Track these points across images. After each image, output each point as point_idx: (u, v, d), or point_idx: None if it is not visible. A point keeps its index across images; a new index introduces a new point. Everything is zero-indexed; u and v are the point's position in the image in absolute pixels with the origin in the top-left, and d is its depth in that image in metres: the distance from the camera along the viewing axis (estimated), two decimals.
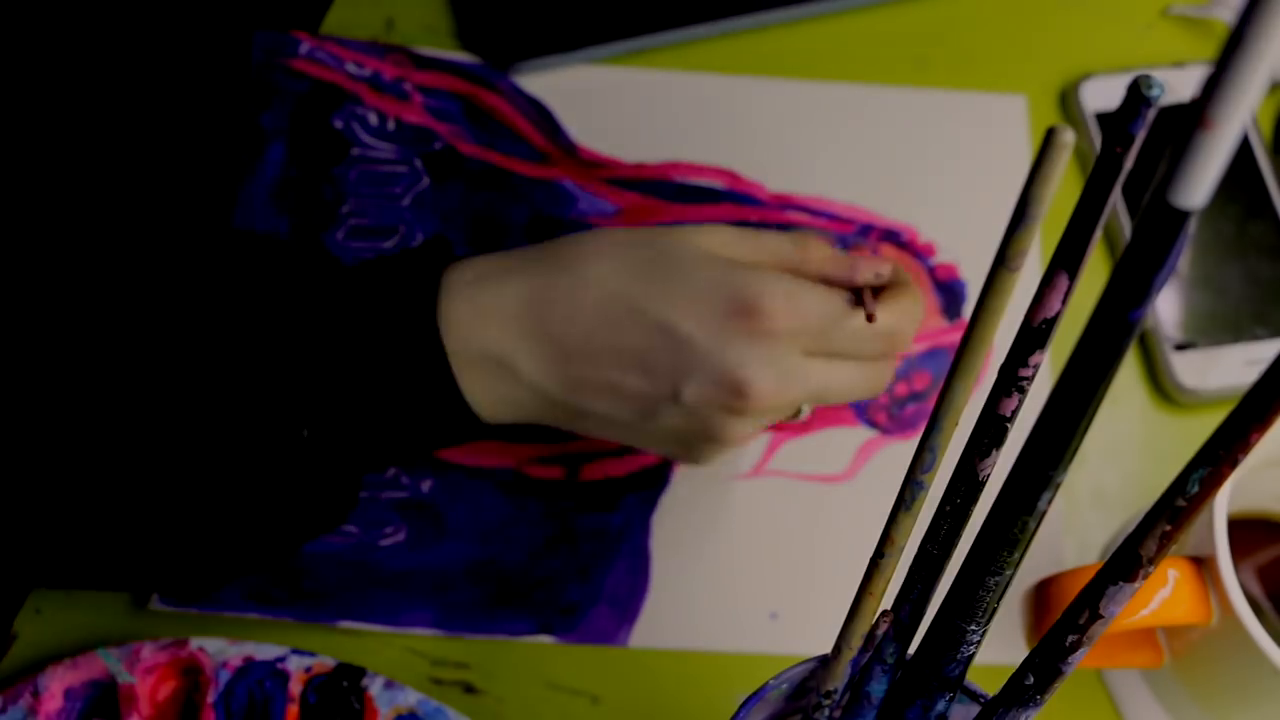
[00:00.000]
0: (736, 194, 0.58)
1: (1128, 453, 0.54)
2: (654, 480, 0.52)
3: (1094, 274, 0.58)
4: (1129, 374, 0.56)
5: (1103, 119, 0.59)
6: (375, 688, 0.47)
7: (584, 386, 0.41)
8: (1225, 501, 0.41)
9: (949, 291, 0.56)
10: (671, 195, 0.57)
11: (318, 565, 0.49)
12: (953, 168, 0.59)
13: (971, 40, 0.62)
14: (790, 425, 0.53)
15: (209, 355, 0.39)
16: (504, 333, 0.40)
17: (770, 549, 0.52)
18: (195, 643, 0.47)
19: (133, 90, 0.57)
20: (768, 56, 0.61)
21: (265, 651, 0.47)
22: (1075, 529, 0.53)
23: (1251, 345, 0.55)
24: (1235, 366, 0.55)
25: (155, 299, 0.40)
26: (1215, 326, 0.55)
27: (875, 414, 0.54)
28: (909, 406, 0.54)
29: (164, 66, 0.58)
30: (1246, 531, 0.46)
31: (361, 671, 0.47)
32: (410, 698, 0.47)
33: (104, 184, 0.56)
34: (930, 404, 0.54)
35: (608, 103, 0.59)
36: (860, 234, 0.57)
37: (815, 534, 0.52)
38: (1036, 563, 0.52)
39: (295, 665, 0.47)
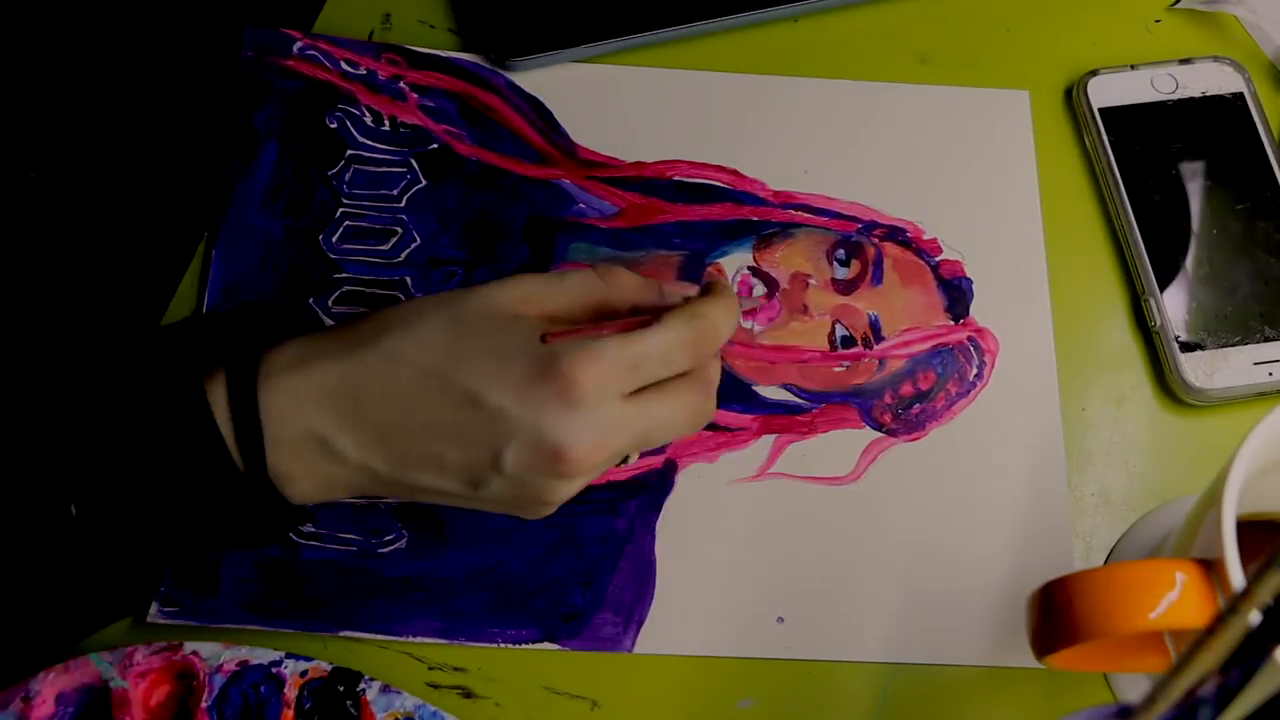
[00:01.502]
0: (737, 192, 0.57)
1: (1135, 454, 0.54)
2: (658, 483, 0.52)
3: (1098, 275, 0.57)
4: (1136, 374, 0.55)
5: (1108, 115, 0.58)
6: (371, 692, 0.46)
7: (408, 463, 0.40)
8: (1234, 504, 0.40)
9: (954, 289, 0.56)
10: (671, 194, 0.57)
11: (317, 573, 0.49)
12: (956, 164, 0.58)
13: (975, 36, 0.61)
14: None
15: None
16: (324, 417, 0.40)
17: (776, 552, 0.51)
18: (189, 647, 0.46)
19: (123, 88, 0.57)
20: (770, 53, 0.60)
21: (260, 655, 0.46)
22: (1082, 531, 0.52)
23: (1260, 346, 0.54)
24: (1243, 367, 0.54)
25: None
26: (1223, 327, 0.55)
27: (881, 415, 0.54)
28: (915, 407, 0.54)
29: (155, 63, 0.57)
30: (1255, 534, 0.46)
31: (358, 676, 0.46)
32: (407, 702, 0.46)
33: (95, 184, 0.55)
34: (936, 404, 0.53)
35: (606, 101, 0.58)
36: (863, 231, 0.57)
37: (822, 536, 0.51)
38: (1043, 565, 0.51)
39: (291, 669, 0.46)
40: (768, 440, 0.53)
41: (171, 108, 0.57)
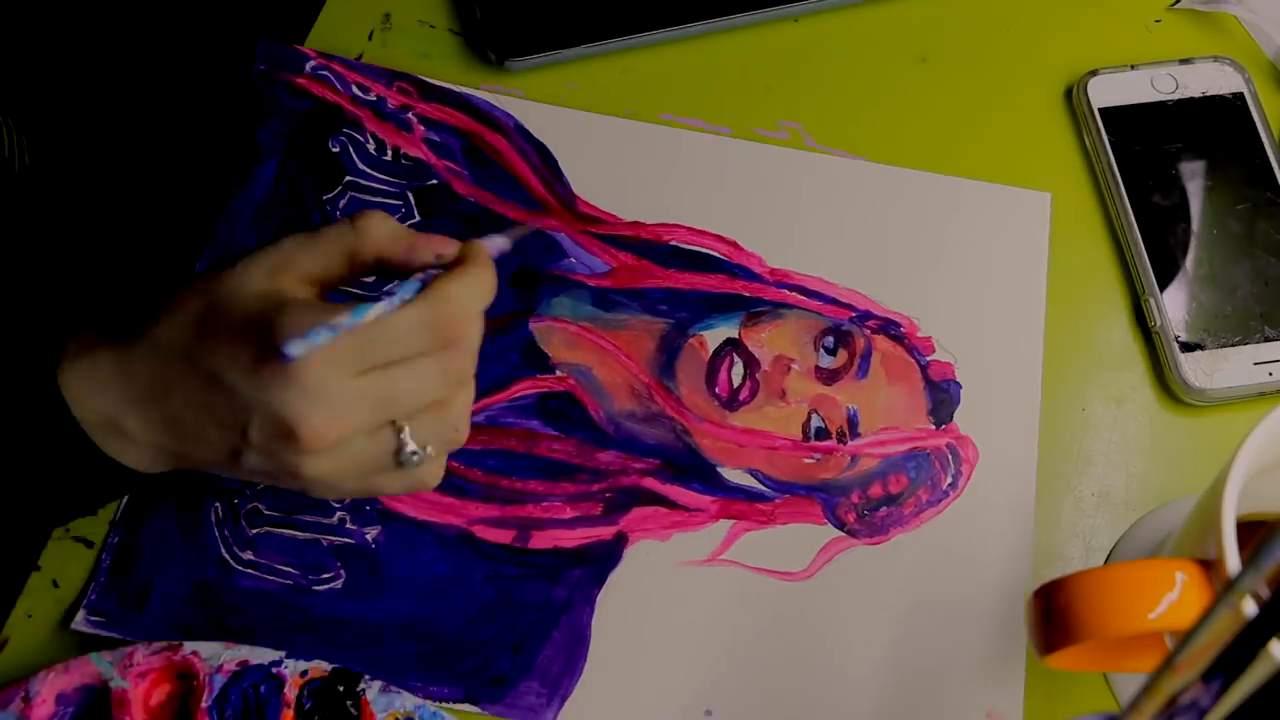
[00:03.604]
0: (733, 265, 0.56)
1: (1135, 454, 0.54)
2: (605, 555, 0.50)
3: (1098, 275, 0.57)
4: (1136, 374, 0.55)
5: (1108, 115, 0.58)
6: (372, 692, 0.46)
7: (184, 439, 0.42)
8: (1234, 505, 0.40)
9: (941, 392, 0.54)
10: (665, 259, 0.56)
11: (249, 602, 0.49)
12: (964, 263, 0.56)
13: (975, 36, 0.61)
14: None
15: None
16: (108, 401, 0.42)
17: (715, 641, 0.49)
18: (189, 647, 0.46)
19: (132, 90, 0.57)
20: (770, 53, 0.60)
21: (260, 655, 0.46)
22: (1082, 531, 0.52)
23: (1260, 346, 0.54)
24: (1243, 367, 0.54)
25: None
26: (1223, 327, 0.55)
27: (845, 513, 0.52)
28: (882, 509, 0.52)
29: (167, 69, 0.57)
30: (1255, 534, 0.46)
31: (358, 676, 0.46)
32: (407, 702, 0.46)
33: (94, 183, 0.55)
34: (905, 509, 0.52)
35: (614, 154, 0.57)
36: (856, 320, 0.55)
37: (764, 631, 0.49)
38: (1042, 565, 0.51)
39: (291, 669, 0.46)
40: (724, 525, 0.51)
41: (178, 114, 0.57)
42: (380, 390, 0.40)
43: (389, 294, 0.40)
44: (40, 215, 0.54)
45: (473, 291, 0.41)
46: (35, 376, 0.41)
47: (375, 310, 0.39)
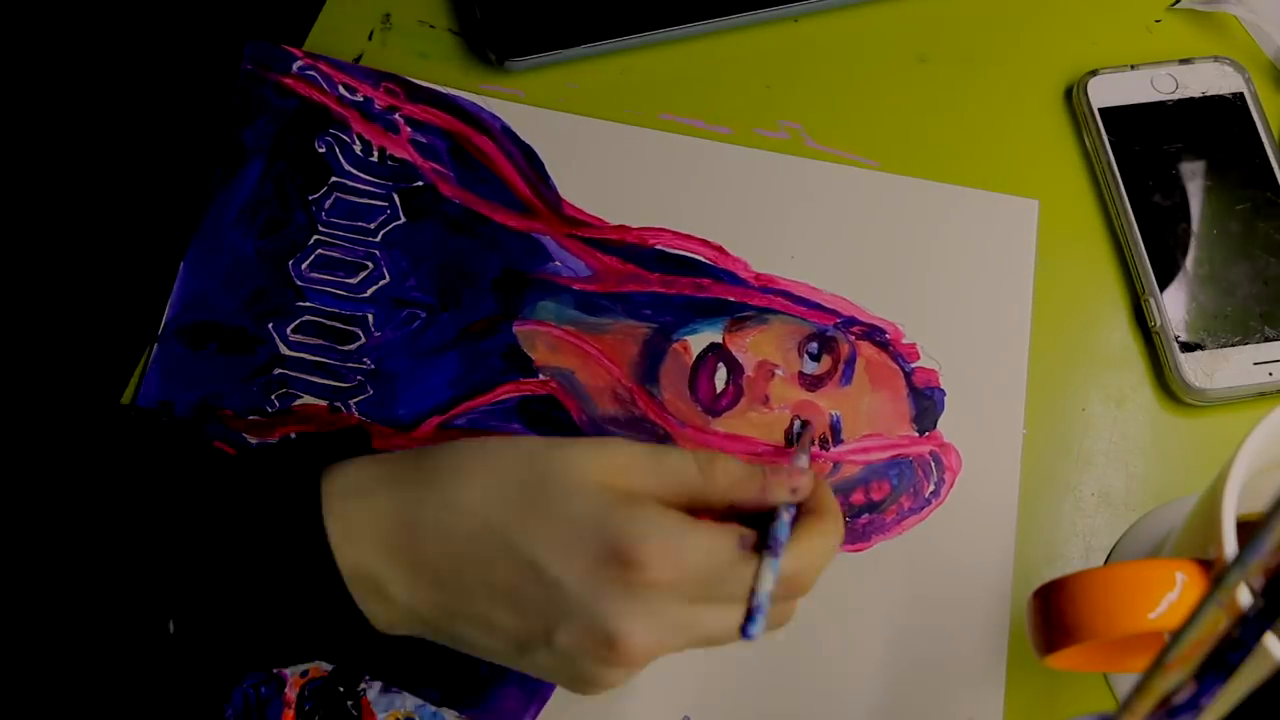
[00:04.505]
0: (718, 269, 0.55)
1: (1135, 454, 0.54)
2: None
3: (1098, 275, 0.57)
4: (1136, 374, 0.55)
5: (1108, 115, 0.58)
6: (372, 692, 0.46)
7: (457, 616, 0.38)
8: (1234, 504, 0.40)
9: (925, 399, 0.54)
10: (650, 263, 0.55)
11: None
12: (950, 269, 0.56)
13: (975, 36, 0.61)
14: None
15: (79, 538, 0.37)
16: (375, 553, 0.38)
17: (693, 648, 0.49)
18: None
19: (117, 88, 0.56)
20: (770, 52, 0.60)
21: None
22: (1081, 531, 0.52)
23: (1260, 346, 0.54)
24: (1243, 367, 0.54)
25: (29, 477, 0.39)
26: (1223, 327, 0.55)
27: None
28: (863, 516, 0.52)
29: (153, 67, 0.57)
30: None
31: (359, 676, 0.46)
32: (408, 702, 0.46)
33: (77, 184, 0.55)
34: (886, 517, 0.51)
35: (600, 157, 0.57)
36: (840, 327, 0.55)
37: None
38: (1042, 565, 0.51)
39: (291, 670, 0.46)
40: None
41: (164, 112, 0.56)
42: (711, 624, 0.38)
43: (774, 544, 0.38)
44: (19, 212, 0.54)
45: (830, 549, 0.40)
46: (299, 511, 0.37)
47: (774, 564, 0.38)
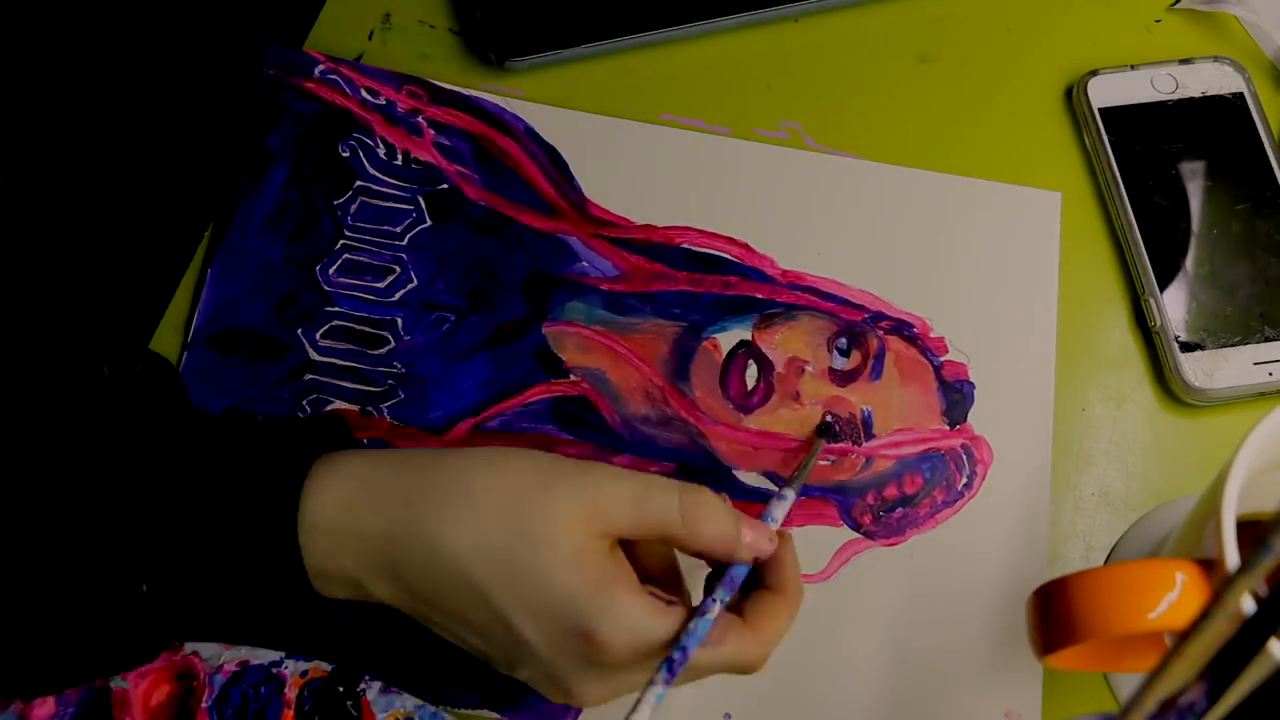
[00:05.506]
0: (745, 267, 0.55)
1: (1135, 454, 0.54)
2: None
3: (1098, 275, 0.57)
4: (1136, 374, 0.55)
5: (1108, 115, 0.58)
6: (372, 693, 0.46)
7: (431, 621, 0.41)
8: (1234, 504, 0.40)
9: (955, 393, 0.54)
10: (677, 262, 0.55)
11: None
12: (976, 262, 0.56)
13: (975, 36, 0.61)
14: None
15: (67, 493, 0.39)
16: (358, 563, 0.40)
17: None
18: (189, 647, 0.46)
19: (141, 94, 0.56)
20: (770, 52, 0.60)
21: (260, 656, 0.46)
22: (1081, 531, 0.52)
23: (1260, 346, 0.54)
24: (1243, 367, 0.54)
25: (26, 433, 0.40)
26: (1223, 327, 0.55)
27: (861, 515, 0.52)
28: (897, 510, 0.52)
29: (175, 73, 0.57)
30: (1255, 534, 0.46)
31: (358, 676, 0.46)
32: (408, 702, 0.46)
33: (98, 187, 0.55)
34: (920, 510, 0.52)
35: (624, 157, 0.57)
36: (869, 322, 0.55)
37: None
38: (1042, 566, 0.51)
39: (291, 670, 0.46)
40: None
41: (188, 120, 0.56)
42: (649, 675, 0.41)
43: (705, 608, 0.41)
44: (41, 223, 0.54)
45: (784, 628, 0.42)
46: (275, 518, 0.39)
47: (698, 638, 0.40)
